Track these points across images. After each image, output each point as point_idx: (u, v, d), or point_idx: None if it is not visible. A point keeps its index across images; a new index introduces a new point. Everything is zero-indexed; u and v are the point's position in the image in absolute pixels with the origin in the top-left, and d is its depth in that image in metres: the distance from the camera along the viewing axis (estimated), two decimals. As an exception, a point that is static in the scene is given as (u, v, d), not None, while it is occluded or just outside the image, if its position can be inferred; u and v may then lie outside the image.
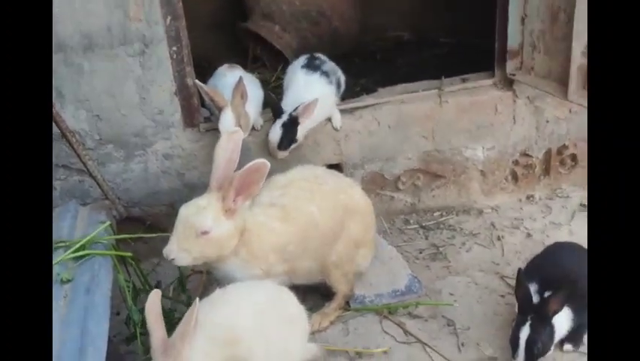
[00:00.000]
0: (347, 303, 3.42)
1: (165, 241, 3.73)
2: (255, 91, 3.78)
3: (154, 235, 3.48)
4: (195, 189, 3.78)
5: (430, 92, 3.91)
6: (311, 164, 3.81)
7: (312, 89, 3.67)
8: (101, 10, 3.35)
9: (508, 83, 3.87)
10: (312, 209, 3.16)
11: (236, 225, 2.93)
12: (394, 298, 3.44)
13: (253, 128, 3.75)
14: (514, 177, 4.09)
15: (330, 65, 3.89)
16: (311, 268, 3.21)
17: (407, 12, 5.82)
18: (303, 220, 3.13)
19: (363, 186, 3.57)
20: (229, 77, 3.83)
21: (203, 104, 3.84)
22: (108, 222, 3.09)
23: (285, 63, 5.25)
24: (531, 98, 3.87)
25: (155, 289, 2.57)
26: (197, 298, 2.46)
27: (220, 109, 3.52)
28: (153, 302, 2.51)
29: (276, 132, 3.56)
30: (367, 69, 5.16)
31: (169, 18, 3.51)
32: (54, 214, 3.38)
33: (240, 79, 3.51)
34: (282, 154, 3.61)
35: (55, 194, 3.68)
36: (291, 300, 2.93)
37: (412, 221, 4.05)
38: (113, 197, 3.53)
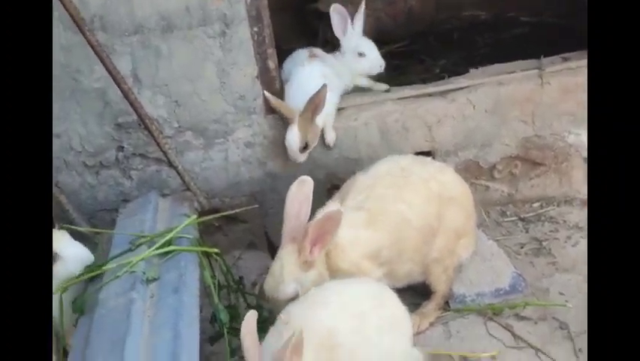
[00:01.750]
0: (446, 303, 3.15)
1: (246, 231, 3.60)
2: (336, 84, 3.55)
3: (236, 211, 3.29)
4: (277, 178, 3.57)
5: (530, 72, 3.59)
6: (399, 152, 3.57)
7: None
8: (180, -12, 3.13)
9: (617, 62, 3.53)
10: (401, 207, 2.90)
11: (319, 271, 2.74)
12: (497, 298, 3.15)
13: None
14: (621, 165, 3.75)
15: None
16: (412, 270, 2.97)
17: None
18: (392, 222, 2.88)
19: (456, 175, 3.30)
20: (307, 68, 3.56)
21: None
22: (194, 216, 2.88)
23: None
24: (644, 78, 3.52)
25: (252, 311, 2.33)
26: (295, 332, 2.20)
27: (287, 121, 3.31)
28: (249, 325, 2.27)
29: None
30: (445, 50, 4.89)
31: (250, -4, 3.28)
32: (133, 206, 3.22)
33: (322, 89, 3.23)
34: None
35: (132, 184, 3.48)
36: (393, 300, 2.68)
37: (509, 213, 3.75)
38: (194, 188, 3.32)
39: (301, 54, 3.79)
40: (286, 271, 2.69)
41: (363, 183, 2.95)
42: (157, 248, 2.70)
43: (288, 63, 3.80)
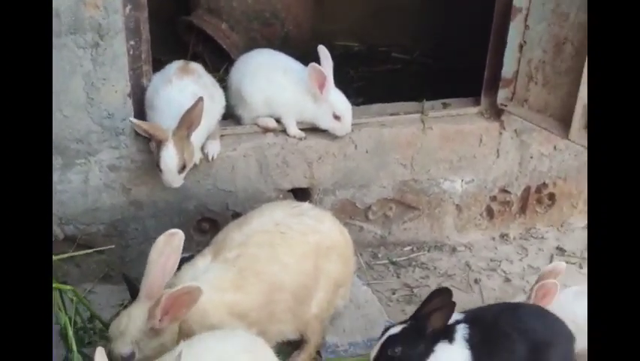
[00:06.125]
0: (318, 352, 3.00)
1: (101, 262, 3.27)
2: (214, 105, 3.25)
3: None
4: (142, 207, 3.26)
5: (413, 116, 3.55)
6: (277, 187, 3.40)
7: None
8: (51, -11, 2.76)
9: (496, 113, 3.57)
10: (274, 269, 2.73)
11: (162, 342, 2.47)
12: (370, 348, 3.04)
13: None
14: (490, 214, 3.80)
15: None
16: (284, 329, 2.81)
17: (356, 23, 5.49)
18: (264, 285, 2.70)
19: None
20: (175, 87, 3.12)
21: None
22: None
23: (230, 63, 4.80)
24: (518, 132, 3.58)
25: (99, 348, 2.10)
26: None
27: (159, 143, 2.93)
28: None
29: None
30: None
31: (129, 7, 2.98)
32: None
33: (199, 102, 2.90)
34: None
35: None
36: (266, 351, 2.49)
37: (380, 255, 3.68)
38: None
39: (170, 71, 3.24)
40: (129, 330, 2.44)
41: (235, 240, 2.74)
42: None
43: (157, 79, 3.28)
